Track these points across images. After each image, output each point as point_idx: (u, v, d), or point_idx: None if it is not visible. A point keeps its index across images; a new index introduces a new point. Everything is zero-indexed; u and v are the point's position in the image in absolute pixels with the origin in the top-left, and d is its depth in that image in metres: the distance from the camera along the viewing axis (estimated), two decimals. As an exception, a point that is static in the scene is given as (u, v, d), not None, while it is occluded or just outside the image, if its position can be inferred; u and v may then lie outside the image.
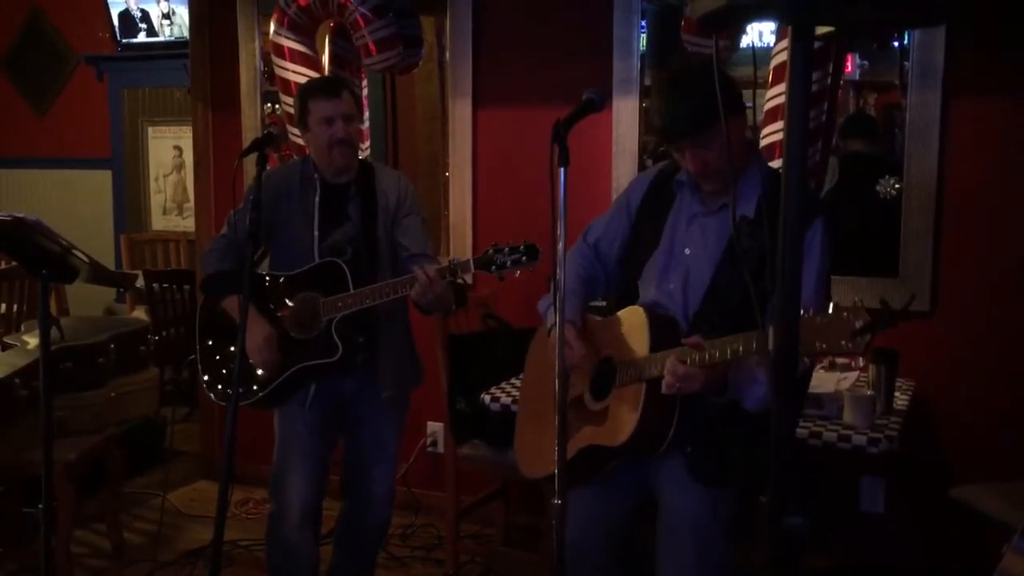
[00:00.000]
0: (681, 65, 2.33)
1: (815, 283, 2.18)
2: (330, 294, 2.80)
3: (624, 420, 2.24)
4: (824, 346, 1.80)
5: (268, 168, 2.78)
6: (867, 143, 3.70)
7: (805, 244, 1.59)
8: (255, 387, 2.90)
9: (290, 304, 2.88)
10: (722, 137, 2.14)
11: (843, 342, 1.74)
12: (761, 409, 2.15)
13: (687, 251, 2.31)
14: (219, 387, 2.99)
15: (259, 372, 2.88)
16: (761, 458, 2.18)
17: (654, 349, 2.21)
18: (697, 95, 2.14)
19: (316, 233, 2.90)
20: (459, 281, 2.71)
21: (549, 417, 2.24)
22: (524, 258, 2.59)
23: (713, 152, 2.19)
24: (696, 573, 2.30)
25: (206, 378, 3.01)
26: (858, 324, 1.72)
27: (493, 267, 2.60)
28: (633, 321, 2.29)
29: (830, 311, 1.83)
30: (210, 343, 3.02)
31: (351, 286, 2.78)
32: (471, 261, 2.64)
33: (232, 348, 2.90)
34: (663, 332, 2.22)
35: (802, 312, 1.83)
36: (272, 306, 2.90)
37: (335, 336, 2.80)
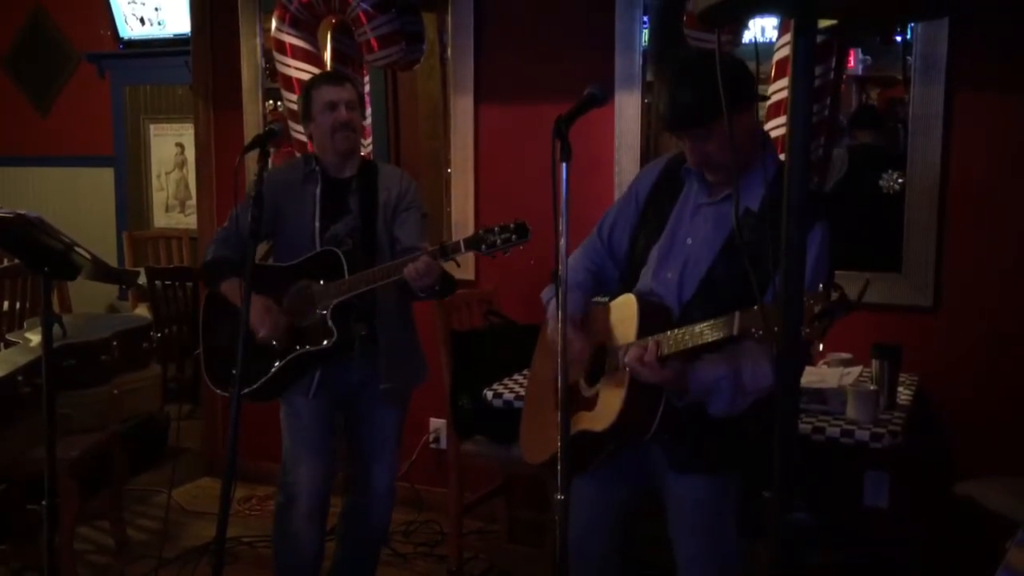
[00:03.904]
0: (692, 54, 2.31)
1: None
2: (327, 282, 2.82)
3: (610, 406, 2.25)
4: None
5: (271, 166, 2.79)
6: (874, 134, 3.69)
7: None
8: (256, 374, 2.89)
9: (288, 292, 2.90)
10: (723, 131, 2.13)
11: (803, 328, 1.72)
12: (724, 415, 2.17)
13: (689, 240, 2.30)
14: (218, 375, 3.01)
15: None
16: (740, 443, 2.23)
17: (642, 336, 2.21)
18: (700, 88, 2.12)
19: (317, 224, 2.92)
20: (451, 259, 2.72)
21: (547, 404, 2.26)
22: (513, 236, 2.62)
23: (713, 144, 2.18)
24: (707, 561, 2.31)
25: (209, 370, 3.04)
26: (817, 309, 1.72)
27: (483, 246, 2.63)
28: (624, 309, 2.30)
29: None
30: (213, 336, 3.04)
31: (347, 274, 2.80)
32: (461, 242, 2.66)
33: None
34: (653, 319, 2.22)
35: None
36: (271, 293, 2.91)
37: (331, 323, 2.81)
